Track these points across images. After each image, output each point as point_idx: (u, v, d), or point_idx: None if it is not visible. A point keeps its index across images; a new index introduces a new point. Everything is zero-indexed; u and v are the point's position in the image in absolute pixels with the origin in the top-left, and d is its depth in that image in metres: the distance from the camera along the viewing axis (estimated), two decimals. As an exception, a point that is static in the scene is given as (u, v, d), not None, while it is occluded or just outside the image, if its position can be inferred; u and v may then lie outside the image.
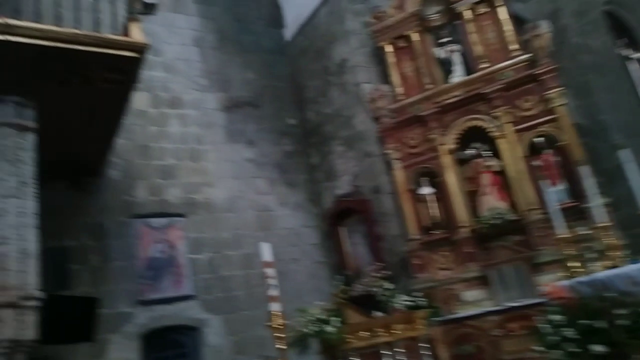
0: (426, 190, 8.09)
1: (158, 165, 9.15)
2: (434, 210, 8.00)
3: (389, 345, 3.51)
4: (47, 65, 5.14)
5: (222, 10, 11.04)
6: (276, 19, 11.72)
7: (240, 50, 10.89)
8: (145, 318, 8.21)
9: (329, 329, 3.44)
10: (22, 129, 5.34)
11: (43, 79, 5.29)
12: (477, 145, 8.03)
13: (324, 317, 3.58)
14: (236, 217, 9.65)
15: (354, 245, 9.46)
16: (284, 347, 4.33)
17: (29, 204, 5.23)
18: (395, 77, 8.83)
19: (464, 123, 8.10)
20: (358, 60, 9.40)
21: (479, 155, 8.00)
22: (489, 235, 7.48)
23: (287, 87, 11.18)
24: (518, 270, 7.05)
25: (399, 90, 8.76)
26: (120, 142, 8.30)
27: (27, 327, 4.90)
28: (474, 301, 7.23)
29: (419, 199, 8.15)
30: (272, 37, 11.50)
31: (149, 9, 5.76)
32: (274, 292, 4.48)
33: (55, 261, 5.91)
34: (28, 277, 5.03)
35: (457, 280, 7.56)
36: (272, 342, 8.83)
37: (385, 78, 9.03)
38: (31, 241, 5.12)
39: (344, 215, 9.56)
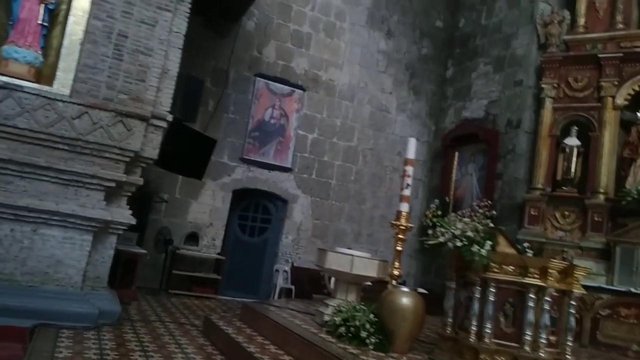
0: (573, 142, 7.14)
1: (293, 29, 8.70)
2: (573, 165, 7.12)
3: (538, 290, 3.03)
4: None
5: None
6: None
7: None
8: (243, 175, 8.26)
9: (481, 250, 2.98)
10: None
11: None
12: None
13: (474, 236, 3.12)
14: (352, 107, 9.21)
15: (464, 176, 8.84)
16: (401, 248, 4.02)
17: (180, 23, 4.97)
18: (581, 4, 7.53)
19: (646, 80, 6.87)
20: (541, -28, 8.08)
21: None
22: (629, 211, 6.58)
23: (447, -16, 10.05)
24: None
25: (581, 20, 7.50)
26: (265, -6, 8.04)
27: (151, 145, 4.87)
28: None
29: (560, 148, 7.25)
30: None
31: None
32: (406, 192, 4.10)
33: (188, 90, 5.76)
34: (163, 97, 4.92)
35: (572, 245, 6.87)
36: (350, 237, 9.00)
37: (568, 1, 7.76)
38: (174, 61, 4.94)
39: (463, 140, 8.84)
